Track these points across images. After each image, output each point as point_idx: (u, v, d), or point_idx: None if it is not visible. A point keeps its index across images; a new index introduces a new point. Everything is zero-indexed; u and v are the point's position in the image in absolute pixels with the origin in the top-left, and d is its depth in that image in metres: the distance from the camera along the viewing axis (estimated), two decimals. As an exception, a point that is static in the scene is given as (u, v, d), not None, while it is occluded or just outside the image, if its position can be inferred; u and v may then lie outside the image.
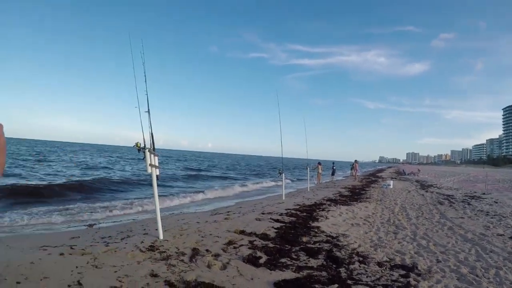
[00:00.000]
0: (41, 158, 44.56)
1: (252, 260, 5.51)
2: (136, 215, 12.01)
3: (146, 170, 6.62)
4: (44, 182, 19.59)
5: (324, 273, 5.15)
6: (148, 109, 6.76)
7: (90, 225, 9.28)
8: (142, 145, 6.48)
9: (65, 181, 21.13)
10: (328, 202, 13.96)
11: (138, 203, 14.04)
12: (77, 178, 23.19)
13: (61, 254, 5.42)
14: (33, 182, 19.16)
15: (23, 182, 19.12)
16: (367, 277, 5.23)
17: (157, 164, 6.80)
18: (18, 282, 4.21)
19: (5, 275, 4.40)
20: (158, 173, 6.90)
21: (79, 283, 4.25)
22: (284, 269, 5.21)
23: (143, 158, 6.51)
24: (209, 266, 5.15)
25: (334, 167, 35.26)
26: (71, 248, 5.84)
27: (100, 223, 10.01)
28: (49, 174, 25.26)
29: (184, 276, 4.65)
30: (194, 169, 45.25)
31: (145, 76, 7.00)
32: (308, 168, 22.73)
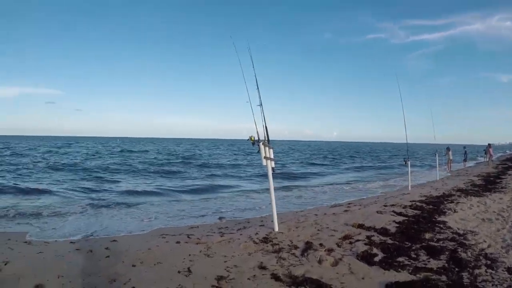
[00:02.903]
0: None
1: (366, 258, 5.26)
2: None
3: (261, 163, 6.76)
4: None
5: (443, 277, 4.64)
6: (261, 103, 6.88)
7: (220, 218, 9.39)
8: (256, 138, 6.62)
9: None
10: (458, 193, 12.70)
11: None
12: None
13: (177, 242, 5.91)
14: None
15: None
16: (493, 285, 4.61)
17: (272, 157, 6.87)
18: (133, 265, 4.76)
19: (124, 258, 5.03)
20: (273, 165, 6.97)
21: (189, 270, 4.59)
22: (399, 269, 4.83)
23: (258, 151, 6.64)
24: (320, 262, 5.04)
25: (466, 152, 32.23)
26: (188, 237, 6.25)
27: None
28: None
29: (292, 271, 4.64)
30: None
31: (254, 69, 7.23)
32: (437, 155, 21.34)
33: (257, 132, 6.69)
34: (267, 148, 6.74)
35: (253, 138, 6.63)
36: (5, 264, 4.79)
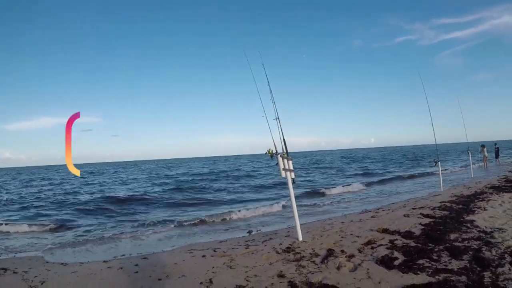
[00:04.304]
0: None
1: (386, 262, 5.27)
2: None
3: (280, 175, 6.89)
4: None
5: (463, 278, 4.55)
6: (277, 116, 7.07)
7: (249, 232, 9.47)
8: (274, 151, 6.79)
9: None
10: (490, 190, 12.39)
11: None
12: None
13: (203, 256, 6.21)
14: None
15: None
16: (515, 283, 4.41)
17: (291, 168, 7.01)
18: (159, 279, 5.11)
19: (151, 273, 5.40)
20: (293, 176, 7.10)
21: (210, 281, 4.83)
22: (419, 272, 4.81)
23: (276, 164, 6.80)
24: (338, 268, 5.12)
25: (499, 148, 31.41)
26: (214, 251, 6.53)
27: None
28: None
29: (310, 278, 4.75)
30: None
31: (269, 85, 7.45)
32: (470, 153, 20.95)
33: (275, 145, 6.87)
34: (285, 160, 6.88)
35: (271, 151, 6.80)
36: (42, 284, 5.21)
